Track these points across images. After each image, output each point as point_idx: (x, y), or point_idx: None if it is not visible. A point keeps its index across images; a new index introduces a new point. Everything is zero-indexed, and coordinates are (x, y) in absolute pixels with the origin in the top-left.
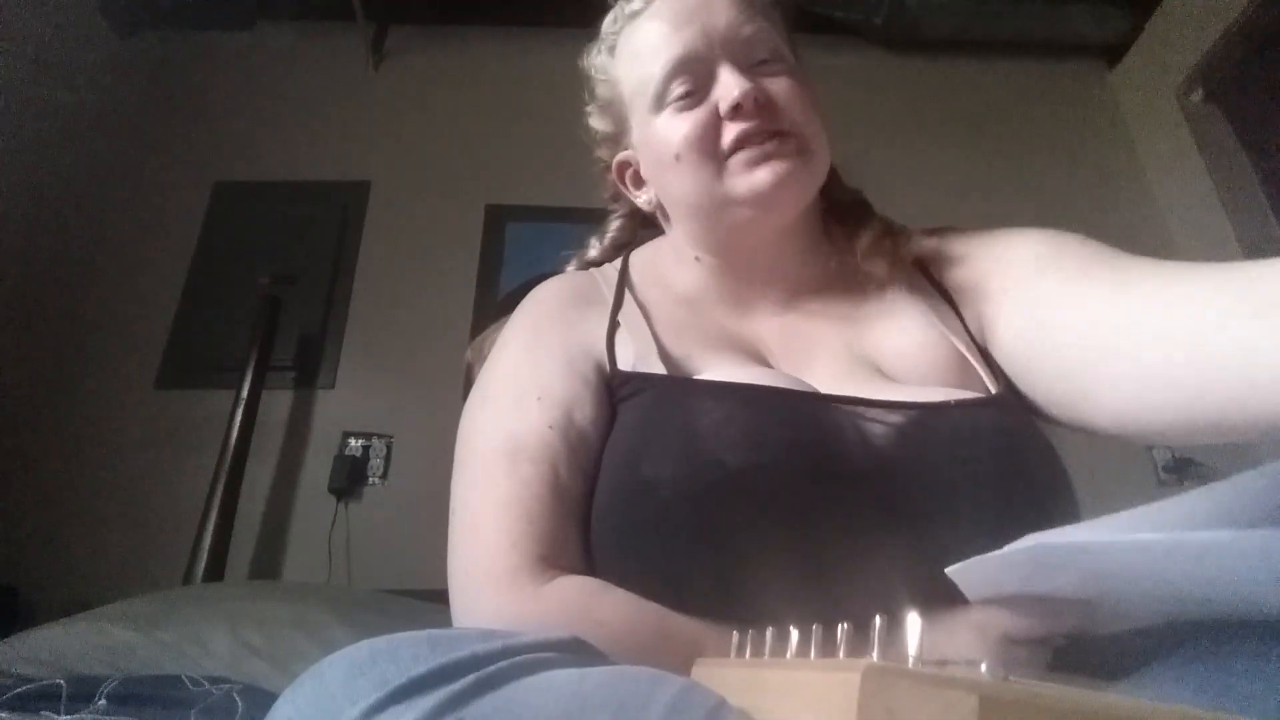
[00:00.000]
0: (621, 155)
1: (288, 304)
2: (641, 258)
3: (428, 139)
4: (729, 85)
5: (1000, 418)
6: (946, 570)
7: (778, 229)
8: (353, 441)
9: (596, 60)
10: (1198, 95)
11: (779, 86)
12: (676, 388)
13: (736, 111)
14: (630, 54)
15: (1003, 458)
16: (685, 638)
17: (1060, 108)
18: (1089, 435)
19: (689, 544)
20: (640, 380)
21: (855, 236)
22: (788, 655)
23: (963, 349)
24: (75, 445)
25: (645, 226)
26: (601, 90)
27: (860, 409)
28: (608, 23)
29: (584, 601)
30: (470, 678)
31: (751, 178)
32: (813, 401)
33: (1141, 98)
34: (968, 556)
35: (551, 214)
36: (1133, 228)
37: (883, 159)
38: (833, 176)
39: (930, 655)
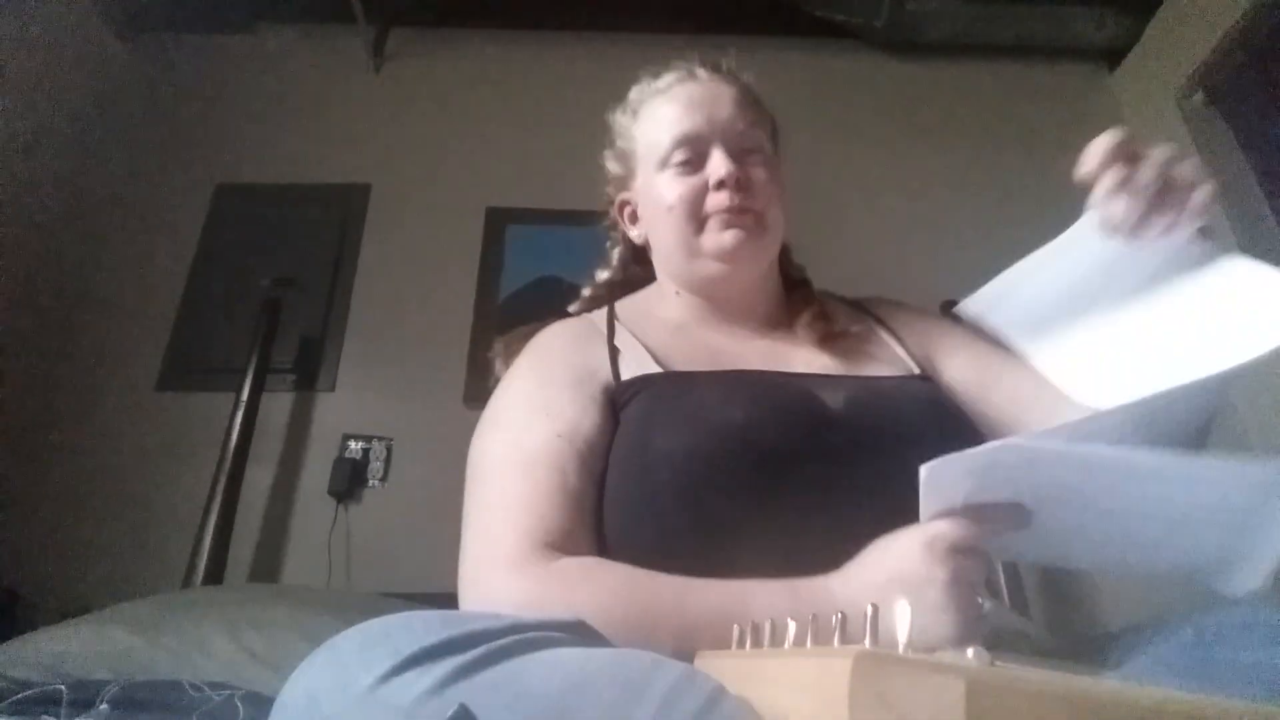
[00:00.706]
0: (624, 195)
1: (288, 306)
2: (625, 304)
3: (428, 142)
4: (718, 164)
5: (922, 386)
6: (921, 468)
7: (741, 283)
8: (353, 444)
9: (620, 119)
10: (1198, 99)
11: (756, 174)
12: (676, 378)
13: (720, 185)
14: (649, 121)
15: (925, 410)
16: (674, 589)
17: (1060, 111)
18: None
19: (703, 499)
20: (641, 382)
21: (799, 312)
22: (786, 645)
23: (900, 352)
24: (75, 447)
25: (636, 258)
26: (620, 143)
27: (822, 382)
28: (634, 92)
29: (583, 572)
30: (480, 649)
31: (719, 238)
32: (788, 378)
33: (1142, 101)
34: (908, 485)
35: (552, 217)
36: None
37: (883, 162)
38: (786, 254)
39: (893, 577)
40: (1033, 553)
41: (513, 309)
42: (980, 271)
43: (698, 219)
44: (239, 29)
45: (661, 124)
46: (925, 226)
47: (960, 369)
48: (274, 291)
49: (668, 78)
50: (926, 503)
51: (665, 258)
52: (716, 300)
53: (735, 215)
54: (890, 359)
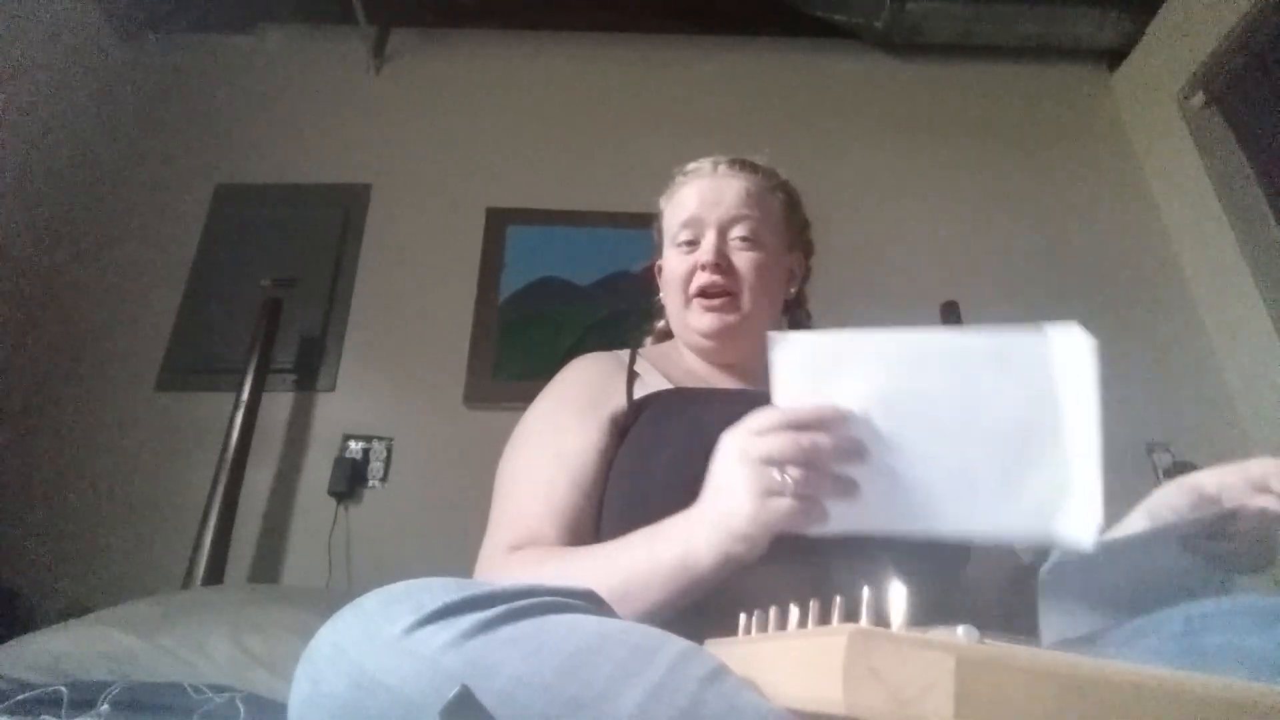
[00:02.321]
0: (660, 261)
1: (289, 306)
2: (648, 349)
3: (429, 142)
4: (705, 248)
5: None
6: (770, 337)
7: (729, 354)
8: (353, 444)
9: (663, 197)
10: (1198, 99)
11: (742, 260)
12: (683, 392)
13: (703, 267)
14: (674, 201)
15: None
16: (577, 554)
17: (1061, 111)
18: None
19: (693, 491)
20: (652, 398)
21: None
22: (788, 629)
23: None
24: (75, 447)
25: None
26: (660, 219)
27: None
28: (677, 177)
29: (523, 557)
30: (500, 608)
31: (700, 319)
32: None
33: (1142, 102)
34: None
35: (552, 217)
36: (1133, 231)
37: (883, 162)
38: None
39: (716, 485)
40: (869, 519)
41: (513, 309)
42: (980, 272)
43: (685, 295)
44: (239, 29)
45: (676, 208)
46: (925, 226)
47: None
48: (274, 291)
49: (695, 168)
50: (777, 381)
51: (670, 320)
52: (713, 363)
53: (712, 299)
54: None
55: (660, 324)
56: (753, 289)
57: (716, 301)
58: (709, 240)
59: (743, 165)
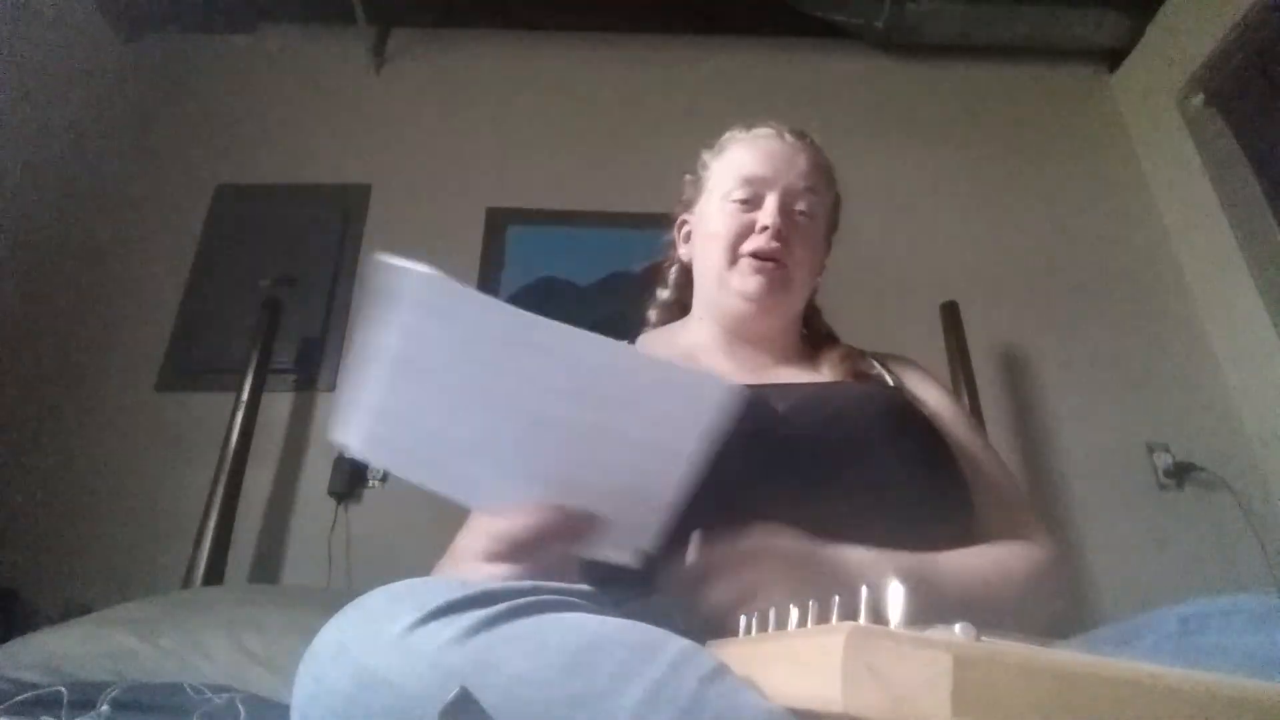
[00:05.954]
0: (686, 216)
1: (289, 307)
2: (650, 335)
3: (429, 142)
4: (769, 212)
5: (881, 391)
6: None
7: (759, 326)
8: None
9: (707, 154)
10: (1198, 100)
11: (799, 232)
12: None
13: (763, 231)
14: (728, 159)
15: (869, 407)
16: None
17: (1060, 112)
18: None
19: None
20: None
21: (825, 350)
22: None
23: (884, 373)
24: (75, 448)
25: (689, 280)
26: (700, 171)
27: (777, 391)
28: (728, 134)
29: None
30: (503, 605)
31: (746, 280)
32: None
33: (1142, 102)
34: (842, 472)
35: (553, 217)
36: (1132, 232)
37: (883, 163)
38: (818, 316)
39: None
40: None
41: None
42: (980, 272)
43: (734, 252)
44: (239, 29)
45: (735, 163)
46: (925, 226)
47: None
48: (274, 291)
49: (759, 130)
50: (400, 311)
51: (700, 280)
52: (733, 332)
53: (765, 262)
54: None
55: (665, 294)
56: (801, 265)
57: (769, 264)
58: (772, 203)
59: (811, 141)
